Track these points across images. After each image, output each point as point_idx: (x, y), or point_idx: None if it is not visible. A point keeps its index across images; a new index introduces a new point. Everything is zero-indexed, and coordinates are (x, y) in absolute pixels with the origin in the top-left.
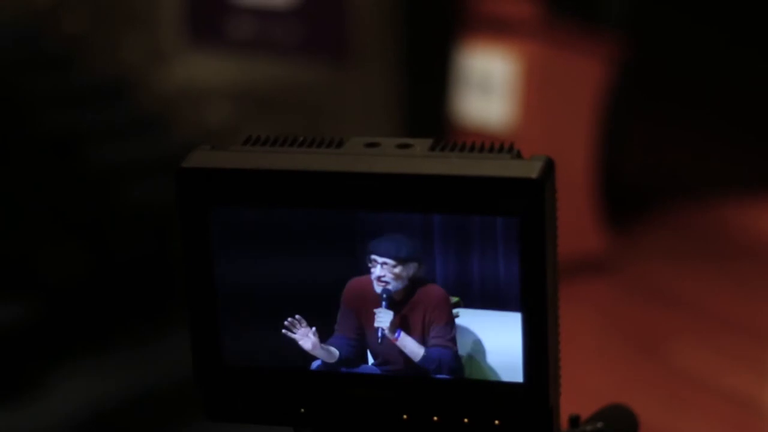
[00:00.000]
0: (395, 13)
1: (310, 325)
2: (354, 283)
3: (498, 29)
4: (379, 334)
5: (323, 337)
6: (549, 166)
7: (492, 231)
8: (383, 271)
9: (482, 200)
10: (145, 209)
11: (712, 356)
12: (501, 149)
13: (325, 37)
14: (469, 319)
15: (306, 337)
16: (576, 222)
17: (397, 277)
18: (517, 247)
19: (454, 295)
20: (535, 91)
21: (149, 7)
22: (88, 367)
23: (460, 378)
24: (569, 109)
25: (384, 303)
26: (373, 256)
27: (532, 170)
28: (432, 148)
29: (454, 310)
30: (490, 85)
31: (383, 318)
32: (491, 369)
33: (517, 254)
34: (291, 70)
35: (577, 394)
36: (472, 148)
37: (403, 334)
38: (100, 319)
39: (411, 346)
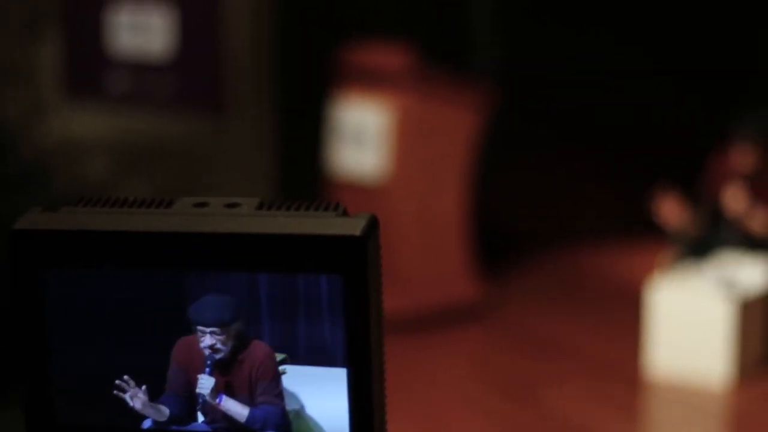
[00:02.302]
0: (270, 66)
1: (142, 384)
2: (183, 342)
3: (371, 81)
4: (200, 401)
5: (154, 395)
6: (372, 224)
7: (317, 288)
8: (212, 340)
9: (306, 258)
10: None
11: (585, 402)
12: (327, 208)
13: (202, 91)
14: (296, 375)
15: (136, 397)
16: (449, 269)
17: (225, 341)
18: (341, 304)
19: (280, 352)
20: (408, 142)
21: (27, 62)
22: None
23: None
24: (442, 159)
25: (207, 369)
26: (200, 327)
27: (355, 228)
28: (259, 207)
29: (281, 367)
30: (363, 136)
31: (205, 384)
32: (318, 426)
33: (341, 311)
34: (168, 124)
35: None
36: (298, 207)
37: (225, 398)
38: None
39: (235, 409)
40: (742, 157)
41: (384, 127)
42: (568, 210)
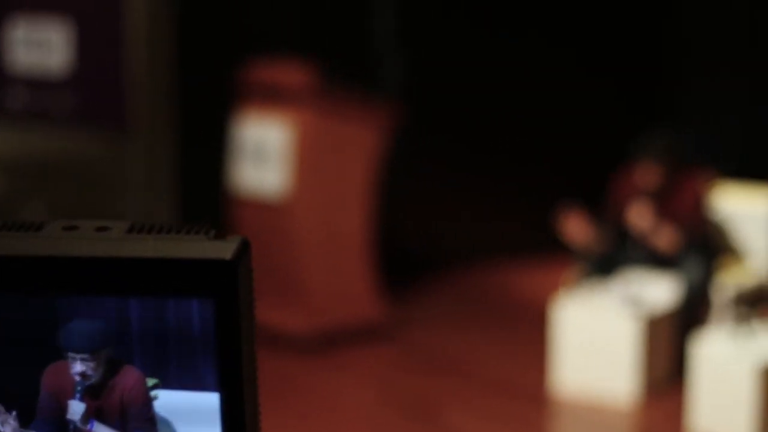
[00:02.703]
0: (172, 85)
1: (12, 410)
2: (53, 367)
3: (273, 98)
4: (71, 428)
5: (26, 421)
6: (244, 247)
7: (188, 313)
8: (83, 367)
9: (177, 282)
10: None
11: (490, 422)
12: (199, 231)
13: (101, 108)
14: (168, 400)
15: (6, 423)
16: (353, 288)
17: (95, 367)
18: (213, 329)
19: (152, 376)
20: (311, 159)
21: None
22: None
23: None
24: (345, 177)
25: (78, 395)
26: (70, 353)
27: (226, 252)
28: (129, 231)
29: (153, 392)
30: (265, 154)
31: (75, 410)
32: None
33: (213, 335)
34: (66, 141)
35: None
36: (169, 230)
37: (96, 424)
38: None
39: None
40: (646, 175)
41: (285, 144)
42: (474, 228)
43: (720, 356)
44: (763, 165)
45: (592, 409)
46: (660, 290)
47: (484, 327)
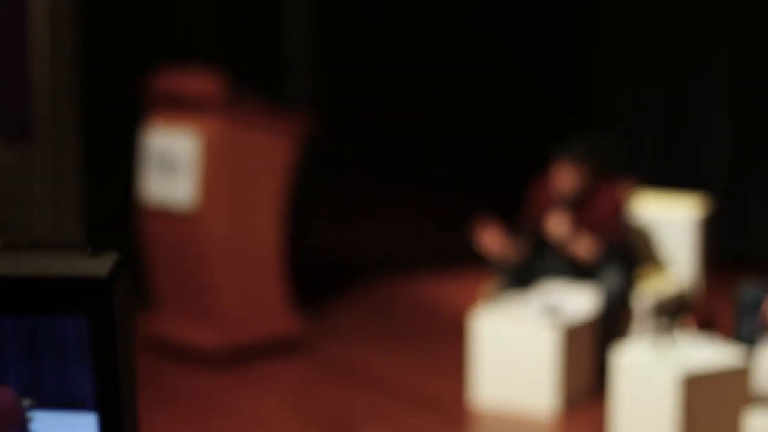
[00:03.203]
0: (78, 93)
1: None
2: None
3: (182, 107)
4: None
5: None
6: (121, 264)
7: (63, 331)
8: None
9: (51, 300)
10: None
11: None
12: (75, 247)
13: (5, 118)
14: (44, 421)
15: None
16: (265, 301)
17: None
18: (88, 347)
19: (27, 396)
20: (220, 169)
21: None
22: None
23: None
24: (255, 187)
25: None
26: None
27: (101, 269)
28: (3, 249)
29: (28, 413)
30: (174, 164)
31: None
32: None
33: (89, 354)
34: None
35: None
36: (45, 247)
37: None
38: None
39: None
40: (564, 177)
41: (194, 154)
42: (389, 239)
43: (641, 366)
44: (682, 173)
45: (512, 422)
46: (579, 300)
47: (401, 339)
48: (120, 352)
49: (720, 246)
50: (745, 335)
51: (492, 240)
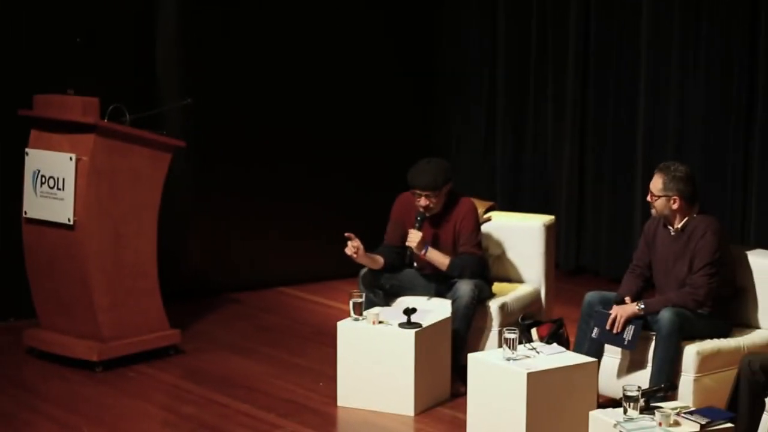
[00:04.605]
0: None
1: None
2: None
3: (60, 130)
4: None
5: None
6: None
7: None
8: None
9: None
10: None
11: None
12: None
13: None
14: None
15: None
16: (142, 313)
17: None
18: None
19: None
20: (97, 189)
21: None
22: None
23: None
24: (130, 204)
25: None
26: None
27: None
28: None
29: None
30: (53, 184)
31: None
32: None
33: None
34: None
35: None
36: None
37: None
38: None
39: None
40: (420, 201)
41: (70, 173)
42: (261, 253)
43: (493, 369)
44: (531, 194)
45: (375, 427)
46: (436, 310)
47: (271, 349)
48: None
49: (567, 258)
50: (590, 339)
51: (356, 254)
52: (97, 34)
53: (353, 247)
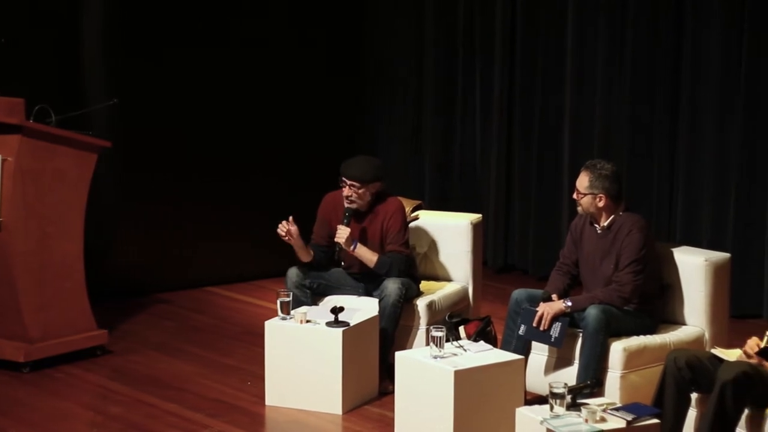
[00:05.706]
0: None
1: None
2: None
3: None
4: None
5: None
6: None
7: None
8: None
9: None
10: None
11: None
12: None
13: None
14: None
15: None
16: (69, 314)
17: None
18: None
19: None
20: (22, 190)
21: None
22: None
23: None
24: (56, 205)
25: None
26: None
27: None
28: None
29: None
30: None
31: None
32: None
33: None
34: None
35: None
36: None
37: None
38: None
39: None
40: (348, 198)
41: None
42: (189, 253)
43: (422, 371)
44: (459, 193)
45: (304, 426)
46: (364, 309)
47: (199, 348)
48: None
49: (495, 257)
50: (517, 337)
51: (286, 232)
52: (22, 35)
53: (283, 227)
